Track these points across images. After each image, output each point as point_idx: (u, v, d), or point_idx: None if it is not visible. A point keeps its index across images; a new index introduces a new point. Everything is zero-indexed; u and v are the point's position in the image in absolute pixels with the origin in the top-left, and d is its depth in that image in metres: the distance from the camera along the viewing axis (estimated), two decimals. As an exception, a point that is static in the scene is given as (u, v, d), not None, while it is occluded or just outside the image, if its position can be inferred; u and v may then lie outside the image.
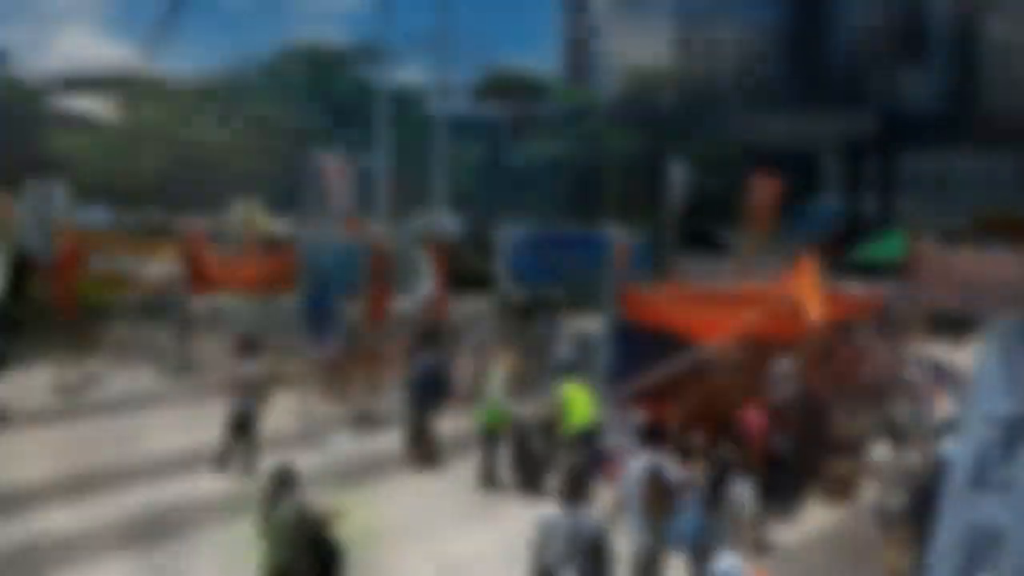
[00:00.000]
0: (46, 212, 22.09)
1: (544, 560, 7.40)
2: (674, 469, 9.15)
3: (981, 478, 4.63)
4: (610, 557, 7.44)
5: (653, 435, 9.80)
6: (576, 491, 7.50)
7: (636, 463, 9.20)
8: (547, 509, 12.02)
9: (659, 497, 8.61)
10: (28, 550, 10.39)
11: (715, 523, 8.91)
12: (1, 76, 52.20)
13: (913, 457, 10.30)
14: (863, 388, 15.36)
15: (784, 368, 12.68)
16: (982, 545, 4.48)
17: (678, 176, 20.69)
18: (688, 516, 8.77)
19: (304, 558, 7.25)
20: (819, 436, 12.92)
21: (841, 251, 40.92)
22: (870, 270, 33.53)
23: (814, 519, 12.06)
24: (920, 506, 8.44)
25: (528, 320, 25.81)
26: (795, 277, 13.65)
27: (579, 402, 13.06)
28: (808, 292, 13.06)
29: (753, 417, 11.68)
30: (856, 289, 15.38)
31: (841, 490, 12.49)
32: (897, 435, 14.32)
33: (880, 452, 10.85)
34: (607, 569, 7.24)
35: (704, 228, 43.32)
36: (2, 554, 10.01)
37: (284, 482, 7.73)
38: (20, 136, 50.95)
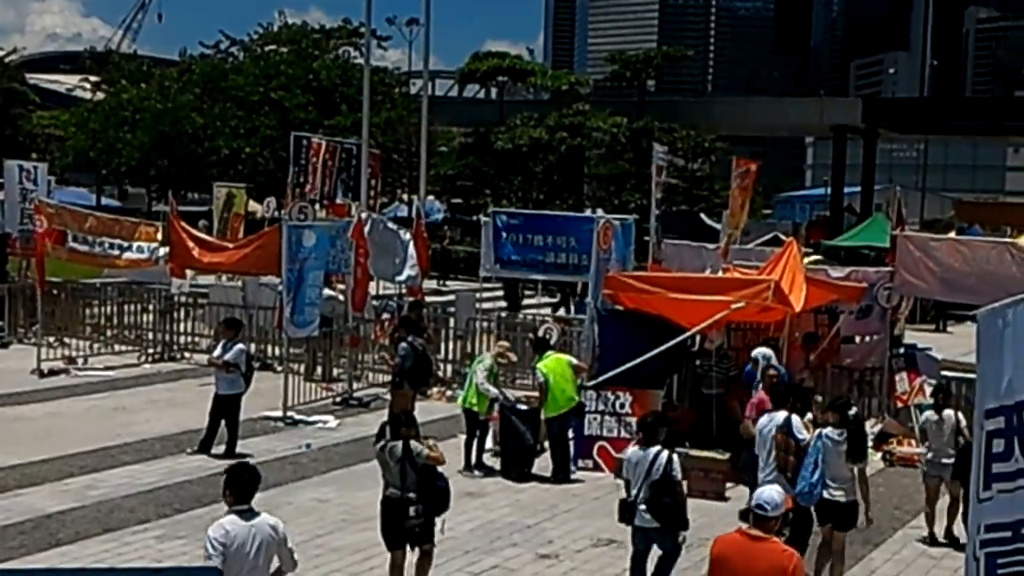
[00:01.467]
0: (26, 192, 21.95)
1: (627, 491, 8.96)
2: (801, 426, 9.87)
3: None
4: (680, 489, 8.91)
5: (782, 395, 10.50)
6: (650, 435, 8.98)
7: (768, 421, 10.04)
8: (531, 490, 12.17)
9: (788, 453, 9.68)
10: (11, 530, 10.33)
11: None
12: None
13: (954, 419, 11.11)
14: (845, 374, 15.47)
15: (767, 353, 12.71)
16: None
17: (661, 160, 20.66)
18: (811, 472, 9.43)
19: (412, 484, 8.48)
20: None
21: (824, 236, 41.14)
22: (853, 256, 33.72)
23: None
24: (963, 464, 9.39)
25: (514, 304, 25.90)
26: (778, 262, 13.72)
27: (560, 380, 13.05)
28: (790, 277, 13.12)
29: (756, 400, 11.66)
30: (839, 275, 15.42)
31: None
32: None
33: (928, 415, 11.55)
34: (675, 497, 8.82)
35: (689, 212, 43.38)
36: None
37: (399, 422, 8.85)
38: (1, 115, 50.54)
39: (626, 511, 8.95)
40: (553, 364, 13.16)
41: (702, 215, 44.19)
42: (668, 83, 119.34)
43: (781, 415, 9.92)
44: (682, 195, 45.99)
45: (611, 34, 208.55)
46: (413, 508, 8.48)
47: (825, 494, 9.32)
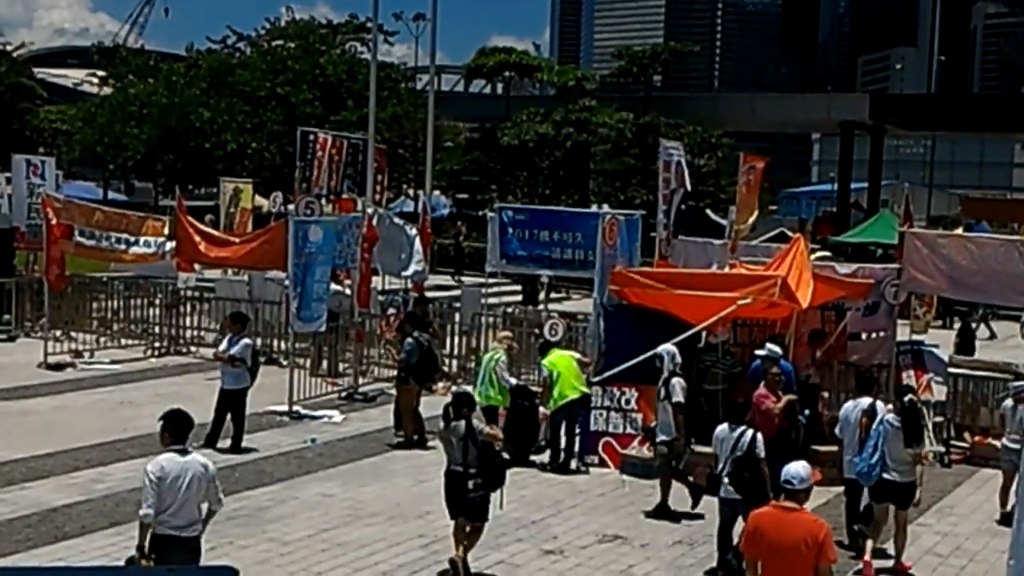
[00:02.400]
0: (33, 186, 21.97)
1: (715, 465, 9.96)
2: (885, 410, 10.45)
3: None
4: (762, 466, 9.65)
5: (866, 381, 11.21)
6: (738, 416, 10.07)
7: (853, 406, 10.81)
8: (536, 486, 12.17)
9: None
10: (17, 524, 10.36)
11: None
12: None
13: None
14: (851, 370, 15.41)
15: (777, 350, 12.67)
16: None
17: (677, 156, 20.60)
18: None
19: (473, 460, 9.30)
20: (809, 419, 12.96)
21: (831, 232, 41.07)
22: (860, 252, 33.68)
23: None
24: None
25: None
26: (784, 258, 13.68)
27: (567, 372, 13.08)
28: (797, 274, 13.08)
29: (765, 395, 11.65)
30: (846, 271, 15.37)
31: (830, 474, 12.48)
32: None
33: (1007, 403, 12.28)
34: (756, 472, 9.62)
35: (695, 208, 43.25)
36: (-10, 529, 10.00)
37: (461, 403, 9.59)
38: (8, 110, 50.59)
39: (713, 483, 9.95)
40: (558, 359, 13.27)
41: (708, 211, 44.11)
42: (674, 79, 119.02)
43: (866, 400, 10.70)
44: (687, 190, 45.84)
45: (617, 29, 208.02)
46: (472, 482, 9.30)
47: (885, 475, 10.03)
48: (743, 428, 9.80)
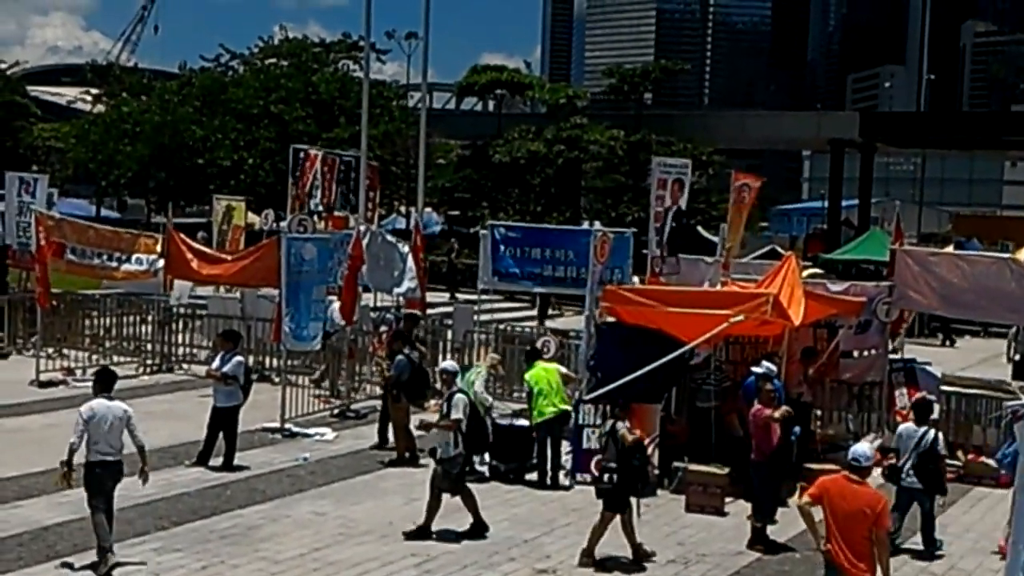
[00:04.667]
0: (23, 204, 21.96)
1: (896, 458, 11.49)
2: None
3: None
4: (943, 463, 11.49)
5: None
6: (923, 416, 11.57)
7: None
8: (529, 504, 12.15)
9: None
10: (9, 542, 10.31)
11: None
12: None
13: None
14: (844, 388, 15.47)
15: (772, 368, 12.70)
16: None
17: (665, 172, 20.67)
18: None
19: (612, 456, 10.54)
20: (801, 437, 12.98)
21: (822, 250, 41.16)
22: (851, 269, 33.78)
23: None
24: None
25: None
26: (776, 276, 13.74)
27: (547, 388, 13.11)
28: (789, 291, 13.13)
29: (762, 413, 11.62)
30: (838, 289, 15.44)
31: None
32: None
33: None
34: (937, 466, 11.30)
35: (686, 225, 43.26)
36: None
37: (616, 406, 10.89)
38: (1, 128, 50.52)
39: (894, 474, 11.40)
40: (540, 373, 13.31)
41: (699, 228, 44.16)
42: (665, 96, 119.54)
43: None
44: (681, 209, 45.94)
45: (608, 47, 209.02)
46: (607, 475, 10.42)
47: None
48: (926, 428, 11.28)
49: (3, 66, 54.20)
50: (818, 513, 8.24)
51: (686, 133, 51.13)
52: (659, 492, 12.94)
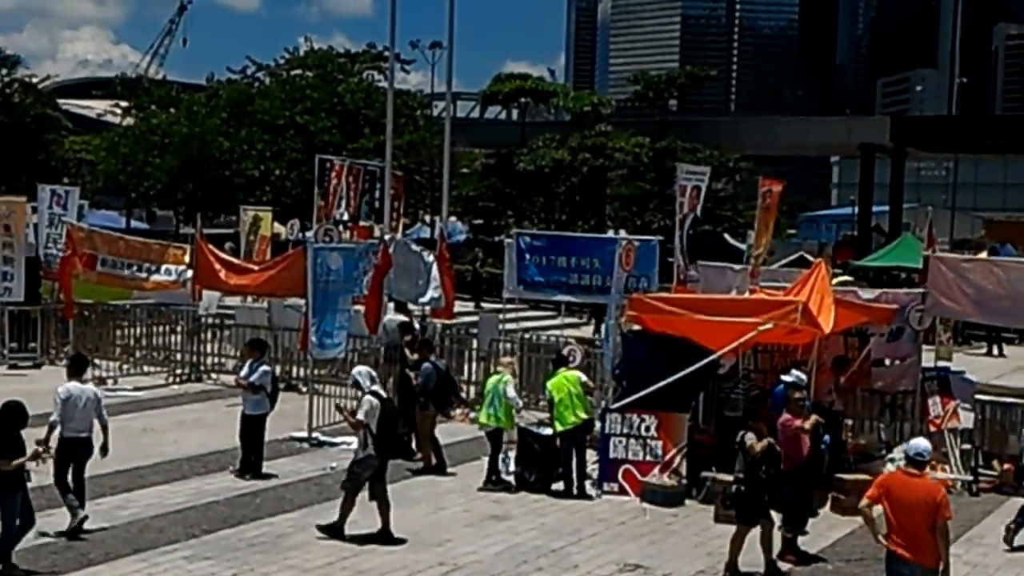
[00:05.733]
0: (54, 216, 22.21)
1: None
2: None
3: None
4: None
5: None
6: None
7: None
8: (556, 513, 12.12)
9: None
10: (43, 550, 10.39)
11: None
12: (15, 81, 52.26)
13: None
14: (876, 397, 15.30)
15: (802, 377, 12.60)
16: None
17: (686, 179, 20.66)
18: None
19: (740, 467, 10.70)
20: (832, 447, 12.86)
21: (852, 256, 40.86)
22: (883, 277, 33.51)
23: (834, 532, 12.00)
24: None
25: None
26: (806, 283, 13.63)
27: (568, 397, 13.04)
28: (819, 299, 13.02)
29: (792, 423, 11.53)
30: (869, 296, 15.28)
31: (854, 504, 12.34)
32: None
33: None
34: None
35: (713, 232, 43.20)
36: (18, 554, 10.02)
37: (751, 415, 11.09)
38: (34, 141, 51.14)
39: (1021, 476, 12.65)
40: (561, 381, 13.22)
41: (725, 235, 44.03)
42: (691, 103, 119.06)
43: None
44: (705, 215, 45.82)
45: (633, 54, 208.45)
46: (735, 487, 10.62)
47: None
48: None
49: (35, 80, 54.81)
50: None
51: (712, 139, 50.99)
52: (687, 502, 12.87)
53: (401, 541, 11.00)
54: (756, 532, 10.52)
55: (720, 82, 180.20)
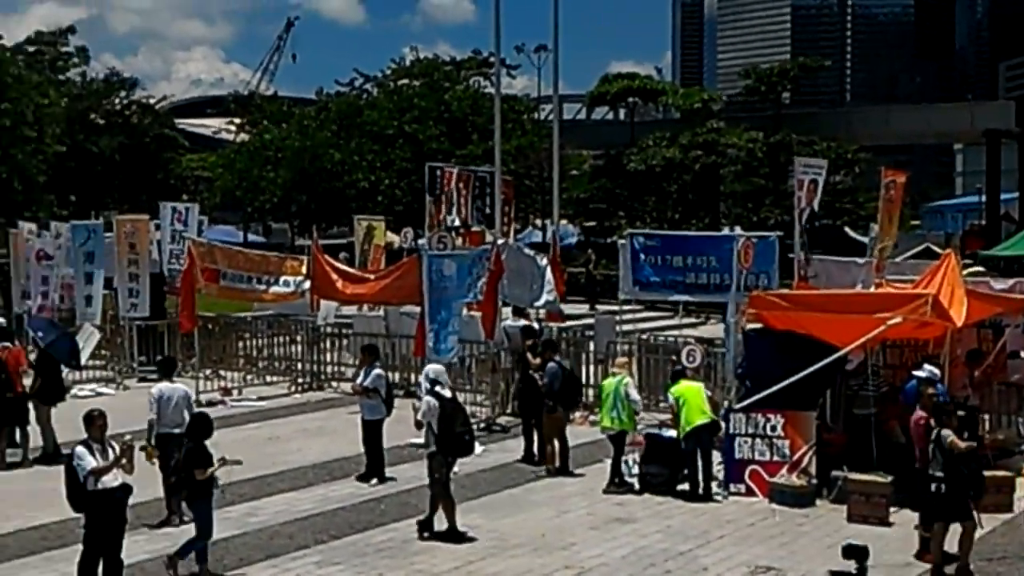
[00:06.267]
0: (175, 233, 22.88)
1: None
2: None
3: None
4: None
5: None
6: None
7: None
8: (682, 515, 11.90)
9: None
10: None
11: None
12: (133, 103, 54.22)
13: None
14: (1013, 391, 14.64)
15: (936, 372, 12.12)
16: None
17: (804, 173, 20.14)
18: None
19: (938, 466, 10.13)
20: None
21: (981, 246, 39.28)
22: (1014, 266, 32.09)
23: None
24: None
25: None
26: (935, 275, 13.11)
27: (693, 400, 12.88)
28: (949, 291, 12.51)
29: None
30: (1002, 286, 14.63)
31: (997, 501, 11.80)
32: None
33: None
34: None
35: (833, 226, 42.13)
36: (152, 563, 10.31)
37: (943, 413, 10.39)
38: (153, 160, 53.02)
39: None
40: (686, 388, 13.12)
41: (846, 228, 42.89)
42: (804, 95, 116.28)
43: None
44: (824, 208, 44.72)
45: (741, 48, 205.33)
46: (933, 484, 10.08)
47: None
48: None
49: (152, 101, 56.81)
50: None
51: (828, 131, 49.75)
52: (818, 502, 12.50)
53: (469, 539, 11.11)
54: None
55: (834, 72, 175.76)
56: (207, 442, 10.22)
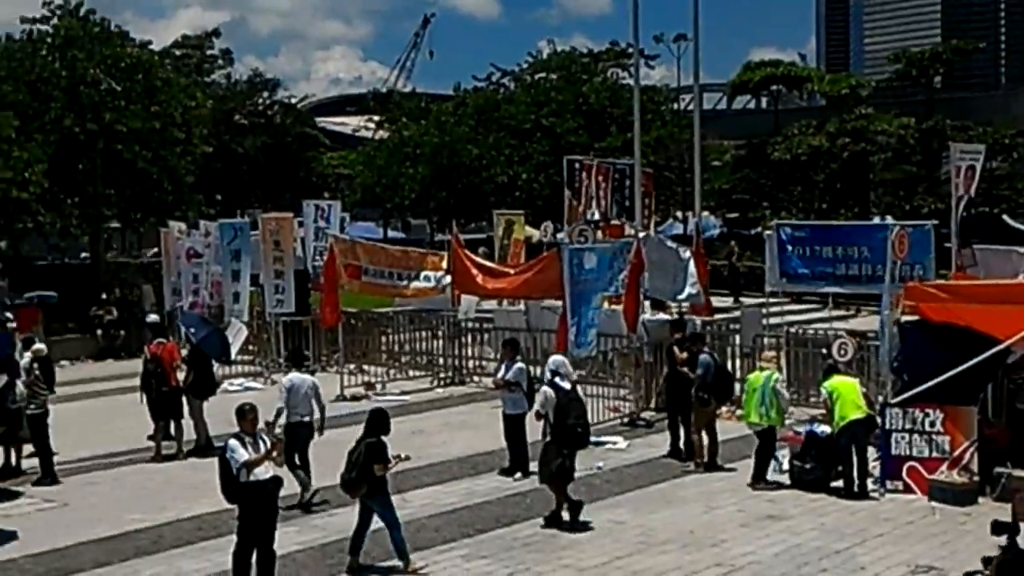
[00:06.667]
0: (319, 230, 23.43)
1: None
2: None
3: None
4: None
5: None
6: None
7: None
8: (837, 513, 11.49)
9: None
10: (330, 548, 10.87)
11: None
12: (275, 103, 55.82)
13: None
14: None
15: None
16: None
17: (960, 159, 19.21)
18: None
19: None
20: None
21: None
22: None
23: None
24: None
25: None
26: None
27: (848, 395, 12.47)
28: None
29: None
30: None
31: None
32: None
33: None
34: None
35: (990, 214, 40.18)
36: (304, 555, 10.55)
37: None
38: (295, 159, 54.51)
39: None
40: (839, 383, 12.79)
41: (1004, 216, 40.74)
42: (957, 79, 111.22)
43: None
44: (981, 195, 42.65)
45: (889, 32, 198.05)
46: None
47: None
48: None
49: (293, 100, 58.39)
50: None
51: (983, 116, 47.42)
52: (980, 500, 11.91)
53: (582, 526, 11.16)
54: None
55: (988, 54, 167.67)
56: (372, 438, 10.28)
